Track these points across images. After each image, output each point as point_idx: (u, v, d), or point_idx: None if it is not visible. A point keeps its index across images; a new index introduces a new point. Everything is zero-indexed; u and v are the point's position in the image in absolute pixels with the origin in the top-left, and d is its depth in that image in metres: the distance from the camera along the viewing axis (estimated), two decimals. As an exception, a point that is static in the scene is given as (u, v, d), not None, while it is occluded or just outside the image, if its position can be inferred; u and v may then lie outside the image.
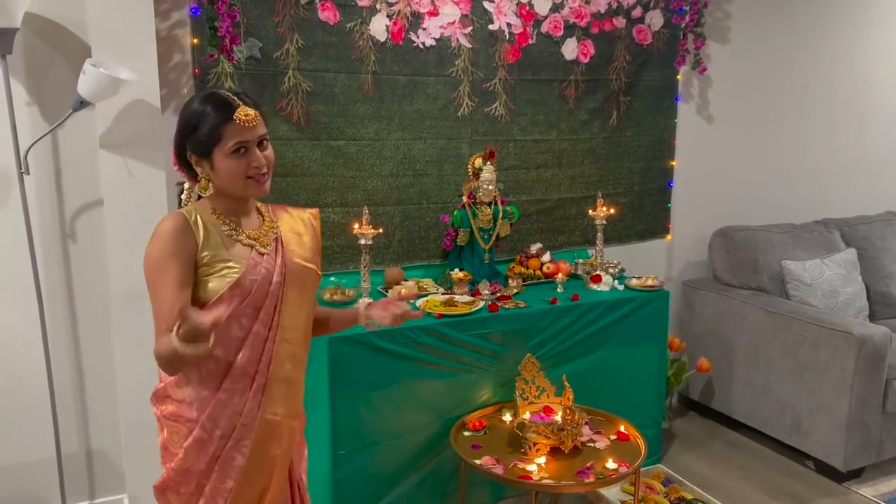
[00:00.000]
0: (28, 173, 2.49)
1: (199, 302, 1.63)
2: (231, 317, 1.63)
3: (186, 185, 1.78)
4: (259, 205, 1.82)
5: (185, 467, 1.67)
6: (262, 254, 1.71)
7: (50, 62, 2.59)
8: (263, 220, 1.78)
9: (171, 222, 1.64)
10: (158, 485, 1.71)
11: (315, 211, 1.90)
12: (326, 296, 2.88)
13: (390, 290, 3.01)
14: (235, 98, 1.65)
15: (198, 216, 1.67)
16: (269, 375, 1.69)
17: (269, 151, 1.70)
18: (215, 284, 1.63)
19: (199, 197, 1.74)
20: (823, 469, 3.31)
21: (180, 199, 1.80)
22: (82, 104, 2.41)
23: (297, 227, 1.83)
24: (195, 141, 1.65)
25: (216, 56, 2.69)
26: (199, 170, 1.68)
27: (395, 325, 1.92)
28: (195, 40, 2.71)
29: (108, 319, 2.60)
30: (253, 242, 1.71)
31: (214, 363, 1.65)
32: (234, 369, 1.66)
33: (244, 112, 1.62)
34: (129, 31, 2.43)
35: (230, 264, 1.65)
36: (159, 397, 1.72)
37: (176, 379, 1.67)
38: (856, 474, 3.27)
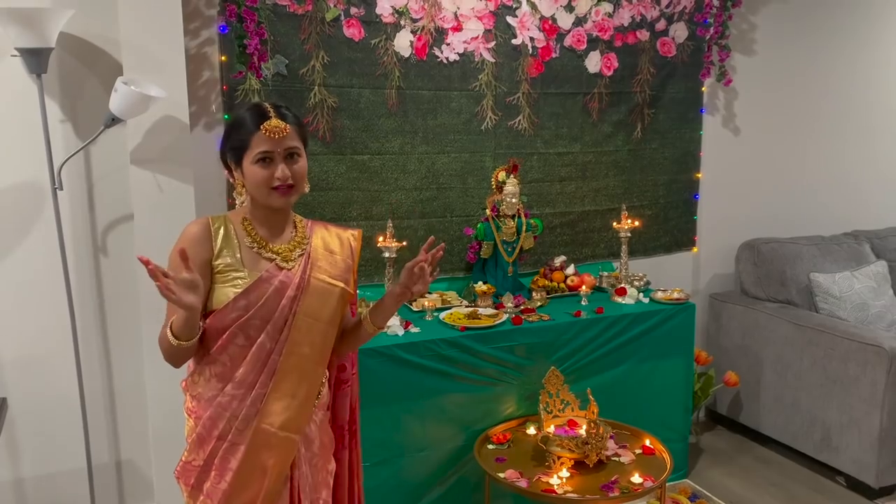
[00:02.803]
0: (61, 189, 2.54)
1: (207, 309, 1.69)
2: (238, 327, 1.68)
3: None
4: (298, 218, 1.84)
5: (189, 460, 1.74)
6: (282, 268, 1.73)
7: (83, 80, 2.66)
8: (296, 234, 1.80)
9: (193, 227, 1.73)
10: (175, 472, 1.79)
11: (358, 232, 1.92)
12: (351, 308, 2.90)
13: (413, 304, 3.03)
14: (271, 109, 1.70)
15: (223, 224, 1.74)
16: (269, 387, 1.71)
17: (299, 165, 1.72)
18: (222, 293, 1.69)
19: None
20: (855, 485, 3.25)
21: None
22: (114, 121, 2.46)
23: (331, 244, 1.84)
24: (230, 147, 1.73)
25: (244, 73, 2.74)
26: (235, 175, 1.76)
27: (418, 293, 1.91)
28: (223, 57, 2.77)
29: (138, 331, 2.65)
30: (274, 256, 1.74)
31: (221, 368, 1.70)
32: (235, 377, 1.70)
33: (272, 124, 1.67)
34: (159, 49, 2.48)
35: (241, 275, 1.69)
36: (184, 389, 1.79)
37: (193, 376, 1.74)
38: (888, 491, 3.21)
